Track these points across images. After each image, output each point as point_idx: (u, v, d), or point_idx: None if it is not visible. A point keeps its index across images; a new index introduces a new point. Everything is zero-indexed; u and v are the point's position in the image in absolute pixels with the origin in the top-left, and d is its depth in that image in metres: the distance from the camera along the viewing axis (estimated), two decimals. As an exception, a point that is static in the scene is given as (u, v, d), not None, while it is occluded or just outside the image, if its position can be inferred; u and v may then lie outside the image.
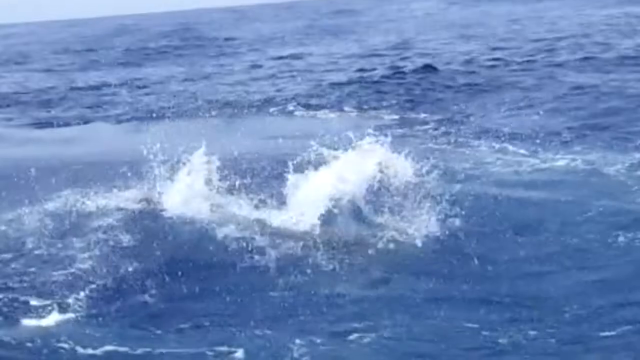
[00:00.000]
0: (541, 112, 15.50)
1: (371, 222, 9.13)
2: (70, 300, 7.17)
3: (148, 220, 9.28)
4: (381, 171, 8.71)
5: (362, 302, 7.15)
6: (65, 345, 6.36)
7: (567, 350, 6.10)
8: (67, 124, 18.61)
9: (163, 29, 41.09)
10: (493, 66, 23.52)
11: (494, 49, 27.48)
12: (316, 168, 8.95)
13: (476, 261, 7.77)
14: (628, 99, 16.12)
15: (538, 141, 12.80)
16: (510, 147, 12.48)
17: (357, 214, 9.10)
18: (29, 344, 6.42)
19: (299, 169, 9.07)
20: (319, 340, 6.38)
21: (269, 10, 79.06)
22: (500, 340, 6.28)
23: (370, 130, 10.15)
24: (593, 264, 7.79)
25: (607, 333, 6.23)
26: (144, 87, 24.44)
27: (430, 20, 43.96)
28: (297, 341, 6.29)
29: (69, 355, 6.26)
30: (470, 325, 6.63)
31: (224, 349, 6.27)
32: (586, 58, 23.10)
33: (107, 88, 24.25)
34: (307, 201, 8.90)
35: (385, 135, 9.15)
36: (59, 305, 7.06)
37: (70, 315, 6.97)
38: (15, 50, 46.04)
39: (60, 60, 34.05)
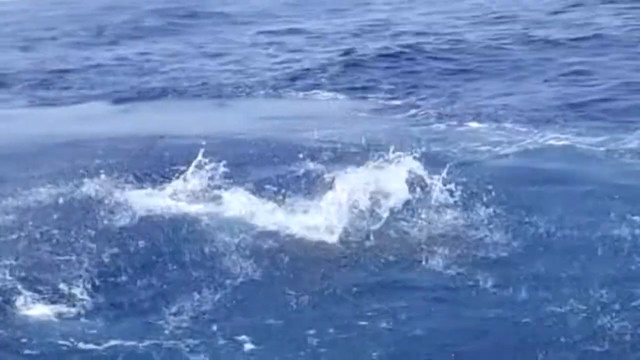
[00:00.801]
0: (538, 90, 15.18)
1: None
2: (71, 292, 7.12)
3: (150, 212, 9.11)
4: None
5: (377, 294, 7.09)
6: (64, 341, 6.31)
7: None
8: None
9: (156, 6, 40.82)
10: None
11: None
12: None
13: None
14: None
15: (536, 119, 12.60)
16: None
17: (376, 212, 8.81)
18: (24, 339, 6.37)
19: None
20: (331, 330, 6.39)
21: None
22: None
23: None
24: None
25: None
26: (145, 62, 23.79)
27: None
28: (310, 332, 6.32)
29: (70, 350, 6.21)
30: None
31: (233, 339, 6.25)
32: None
33: (103, 67, 23.56)
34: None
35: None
36: (59, 296, 7.02)
37: (70, 307, 6.90)
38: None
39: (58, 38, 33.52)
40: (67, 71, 23.15)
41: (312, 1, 45.43)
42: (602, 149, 10.61)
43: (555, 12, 26.13)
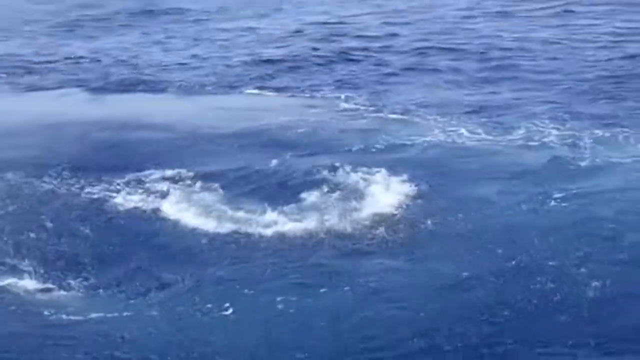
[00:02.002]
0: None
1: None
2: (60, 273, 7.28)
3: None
4: None
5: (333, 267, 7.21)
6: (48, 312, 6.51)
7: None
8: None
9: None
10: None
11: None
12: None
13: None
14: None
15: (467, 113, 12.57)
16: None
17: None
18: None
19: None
20: (294, 298, 6.55)
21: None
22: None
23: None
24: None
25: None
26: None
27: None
28: (278, 299, 6.51)
29: (64, 321, 6.40)
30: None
31: (214, 306, 6.43)
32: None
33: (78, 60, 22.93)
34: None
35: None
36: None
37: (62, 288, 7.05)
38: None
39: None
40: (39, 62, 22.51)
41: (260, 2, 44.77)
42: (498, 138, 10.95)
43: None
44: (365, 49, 20.38)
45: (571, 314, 6.06)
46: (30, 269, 7.30)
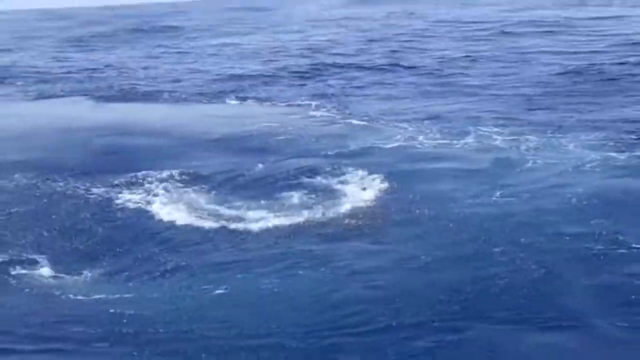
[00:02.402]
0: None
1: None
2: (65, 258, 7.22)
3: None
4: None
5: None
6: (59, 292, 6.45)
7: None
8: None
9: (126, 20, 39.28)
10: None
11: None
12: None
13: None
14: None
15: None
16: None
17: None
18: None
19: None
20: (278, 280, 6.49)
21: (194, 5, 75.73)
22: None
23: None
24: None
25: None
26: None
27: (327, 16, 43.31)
28: (265, 280, 6.46)
29: (65, 300, 6.34)
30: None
31: (209, 288, 6.35)
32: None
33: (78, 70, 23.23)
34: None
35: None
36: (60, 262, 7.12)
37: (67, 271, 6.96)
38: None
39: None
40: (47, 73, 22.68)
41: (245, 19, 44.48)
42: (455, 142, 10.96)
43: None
44: (334, 65, 20.47)
45: (515, 293, 6.03)
46: (45, 259, 7.18)
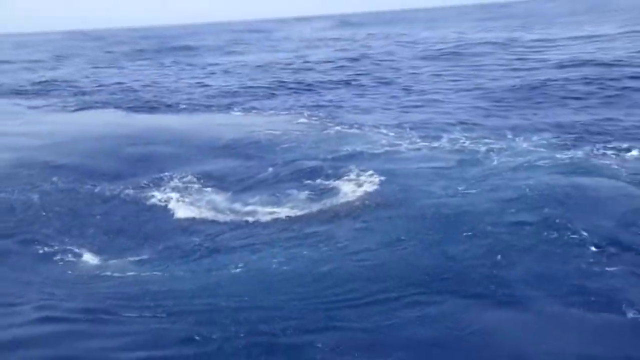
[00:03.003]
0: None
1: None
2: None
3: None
4: None
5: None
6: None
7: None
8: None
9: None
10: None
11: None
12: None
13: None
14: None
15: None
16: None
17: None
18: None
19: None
20: (284, 259, 6.48)
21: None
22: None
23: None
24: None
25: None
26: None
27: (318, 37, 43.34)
28: (275, 259, 6.45)
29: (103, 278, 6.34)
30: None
31: (227, 266, 6.35)
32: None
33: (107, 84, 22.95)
34: None
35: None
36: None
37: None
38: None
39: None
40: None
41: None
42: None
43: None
44: (323, 81, 20.46)
45: (480, 272, 6.01)
46: (86, 249, 7.17)
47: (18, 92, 22.63)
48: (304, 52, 32.03)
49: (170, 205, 8.48)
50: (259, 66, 26.24)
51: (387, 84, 19.17)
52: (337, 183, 8.86)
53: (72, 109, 18.11)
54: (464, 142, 10.80)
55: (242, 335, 5.21)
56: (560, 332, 5.17)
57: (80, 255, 6.98)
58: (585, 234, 6.50)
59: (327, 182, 8.92)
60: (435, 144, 10.93)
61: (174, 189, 9.05)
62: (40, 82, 24.95)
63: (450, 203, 7.65)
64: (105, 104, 18.48)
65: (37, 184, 9.55)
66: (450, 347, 5.03)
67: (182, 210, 8.23)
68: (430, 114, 14.05)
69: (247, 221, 7.73)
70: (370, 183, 8.65)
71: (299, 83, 20.31)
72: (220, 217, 7.89)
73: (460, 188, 8.19)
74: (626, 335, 5.06)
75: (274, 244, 6.95)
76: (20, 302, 5.98)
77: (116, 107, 17.72)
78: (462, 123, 12.56)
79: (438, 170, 9.19)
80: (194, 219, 7.93)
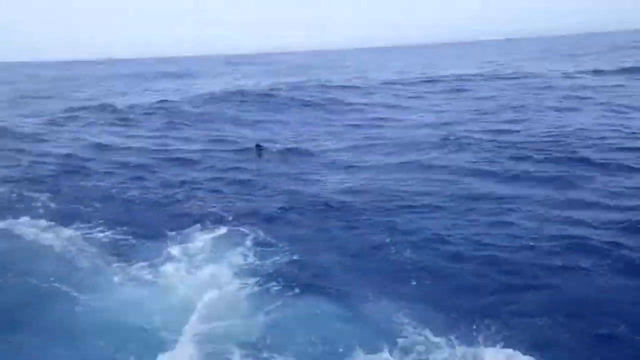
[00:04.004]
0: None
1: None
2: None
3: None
4: None
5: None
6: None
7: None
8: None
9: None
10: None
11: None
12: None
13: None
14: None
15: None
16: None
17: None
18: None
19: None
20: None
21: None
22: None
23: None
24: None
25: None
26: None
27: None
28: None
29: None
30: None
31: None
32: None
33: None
34: None
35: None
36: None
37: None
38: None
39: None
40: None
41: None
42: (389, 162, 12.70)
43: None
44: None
45: (436, 253, 7.30)
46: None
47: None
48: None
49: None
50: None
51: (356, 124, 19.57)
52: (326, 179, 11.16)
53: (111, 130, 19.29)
54: (411, 156, 13.01)
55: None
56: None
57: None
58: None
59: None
60: (395, 160, 12.90)
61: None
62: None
63: (406, 198, 9.84)
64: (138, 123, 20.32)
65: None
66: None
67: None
68: (384, 148, 15.17)
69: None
70: (360, 180, 11.16)
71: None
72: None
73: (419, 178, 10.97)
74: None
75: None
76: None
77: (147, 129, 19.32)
78: (401, 149, 14.39)
79: (398, 177, 11.42)
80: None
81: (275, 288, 6.76)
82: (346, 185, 11.28)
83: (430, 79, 32.11)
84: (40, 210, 10.10)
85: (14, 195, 11.17)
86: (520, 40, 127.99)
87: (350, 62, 62.18)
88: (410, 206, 9.57)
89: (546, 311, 5.96)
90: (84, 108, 24.77)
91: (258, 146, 14.83)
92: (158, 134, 18.68)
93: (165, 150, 15.90)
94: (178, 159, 14.65)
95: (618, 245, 7.35)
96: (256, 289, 6.78)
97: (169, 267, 7.47)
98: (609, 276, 6.64)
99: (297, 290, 6.68)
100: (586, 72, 29.02)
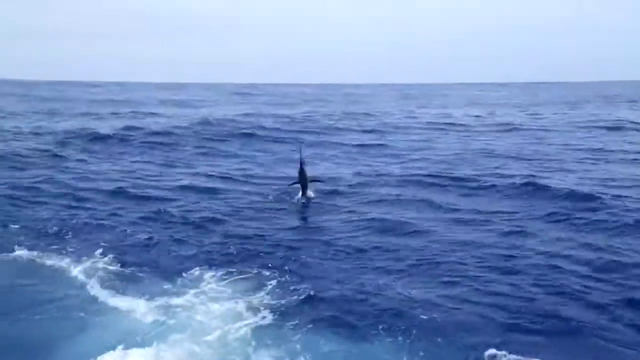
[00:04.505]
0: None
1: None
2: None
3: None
4: None
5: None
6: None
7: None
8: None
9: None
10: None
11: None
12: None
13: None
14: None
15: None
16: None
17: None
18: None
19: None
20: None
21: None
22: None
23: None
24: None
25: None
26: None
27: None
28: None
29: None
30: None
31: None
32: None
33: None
34: None
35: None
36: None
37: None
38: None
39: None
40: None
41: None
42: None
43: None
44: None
45: (411, 246, 9.16)
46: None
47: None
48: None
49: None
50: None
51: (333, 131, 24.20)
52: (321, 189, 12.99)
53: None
54: (397, 171, 15.89)
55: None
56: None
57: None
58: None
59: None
60: (386, 174, 15.55)
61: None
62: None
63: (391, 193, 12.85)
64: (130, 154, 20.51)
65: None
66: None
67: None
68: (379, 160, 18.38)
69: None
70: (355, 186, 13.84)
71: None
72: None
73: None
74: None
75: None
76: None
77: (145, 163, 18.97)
78: (401, 163, 17.61)
79: (383, 185, 14.31)
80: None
81: (291, 324, 6.79)
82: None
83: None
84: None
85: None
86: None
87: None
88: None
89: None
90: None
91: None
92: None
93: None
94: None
95: None
96: (271, 324, 6.85)
97: (180, 301, 7.46)
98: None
99: (310, 326, 6.73)
100: None
